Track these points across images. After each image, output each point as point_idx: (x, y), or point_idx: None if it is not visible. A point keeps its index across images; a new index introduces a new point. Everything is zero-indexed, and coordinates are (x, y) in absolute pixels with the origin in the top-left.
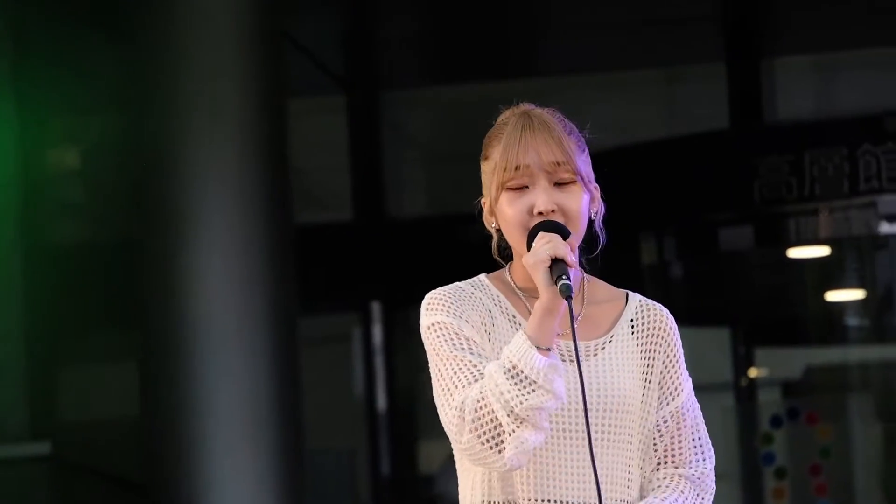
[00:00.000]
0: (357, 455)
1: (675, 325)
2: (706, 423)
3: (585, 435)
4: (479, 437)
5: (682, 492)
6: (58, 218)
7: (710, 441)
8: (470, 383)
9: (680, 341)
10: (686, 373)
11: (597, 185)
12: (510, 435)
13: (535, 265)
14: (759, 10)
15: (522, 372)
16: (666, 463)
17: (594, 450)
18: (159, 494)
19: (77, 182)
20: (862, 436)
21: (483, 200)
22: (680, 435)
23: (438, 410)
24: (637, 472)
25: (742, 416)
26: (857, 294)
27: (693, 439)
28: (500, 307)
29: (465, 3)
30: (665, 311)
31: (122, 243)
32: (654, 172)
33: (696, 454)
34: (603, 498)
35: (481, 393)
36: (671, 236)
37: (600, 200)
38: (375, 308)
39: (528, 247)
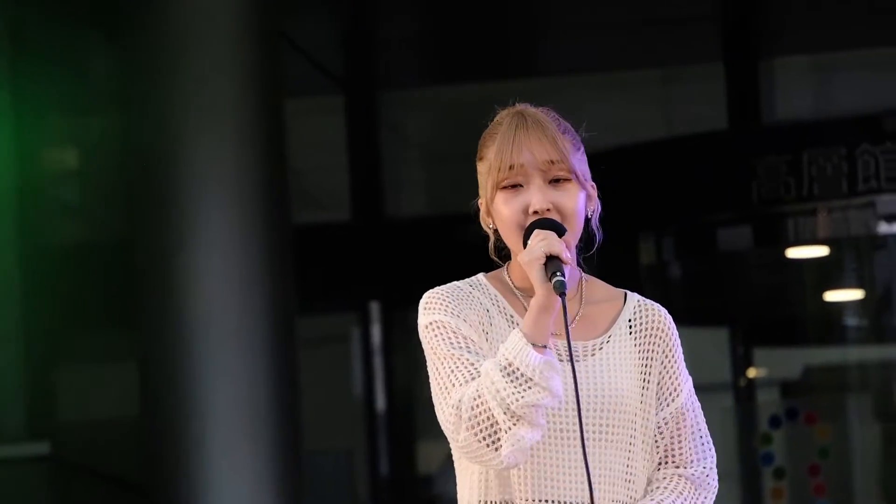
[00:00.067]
0: (355, 455)
1: (673, 325)
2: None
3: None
4: (476, 434)
5: (680, 492)
6: (56, 218)
7: (711, 440)
8: (467, 381)
9: (679, 341)
10: (686, 372)
11: (593, 183)
12: (506, 432)
13: (530, 262)
14: (758, 11)
15: (518, 369)
16: (666, 462)
17: (592, 450)
18: (158, 494)
19: (75, 182)
20: (860, 436)
21: (479, 201)
22: (680, 435)
23: (436, 409)
24: (640, 471)
25: (741, 416)
26: (855, 294)
27: (693, 439)
28: (498, 307)
29: (464, 4)
30: (663, 310)
31: (120, 243)
32: (653, 172)
33: (697, 454)
34: (601, 498)
35: (478, 390)
36: (670, 236)
37: (597, 199)
38: (374, 308)
39: (525, 245)
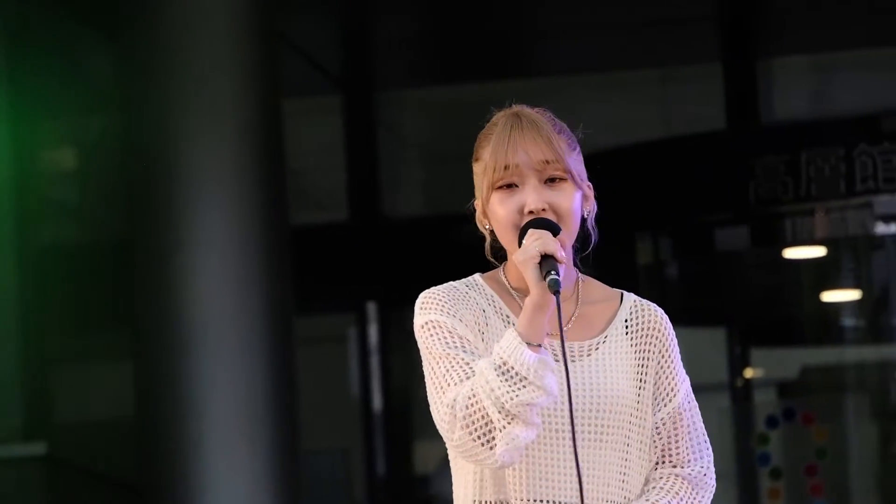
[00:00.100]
0: (352, 455)
1: (669, 325)
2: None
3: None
4: (471, 433)
5: (676, 492)
6: (54, 218)
7: (708, 440)
8: (462, 381)
9: (675, 341)
10: (683, 372)
11: (590, 183)
12: (501, 431)
13: (524, 262)
14: (757, 11)
15: (513, 368)
16: (664, 462)
17: (588, 450)
18: (156, 494)
19: (73, 182)
20: (858, 436)
21: (475, 202)
22: (677, 434)
23: (431, 408)
24: (636, 471)
25: (738, 416)
26: (853, 294)
27: (691, 439)
28: (494, 307)
29: (463, 4)
30: (659, 311)
31: (118, 243)
32: (651, 172)
33: (694, 453)
34: (596, 498)
35: (472, 389)
36: (667, 236)
37: (593, 199)
38: (371, 308)
39: (520, 245)
